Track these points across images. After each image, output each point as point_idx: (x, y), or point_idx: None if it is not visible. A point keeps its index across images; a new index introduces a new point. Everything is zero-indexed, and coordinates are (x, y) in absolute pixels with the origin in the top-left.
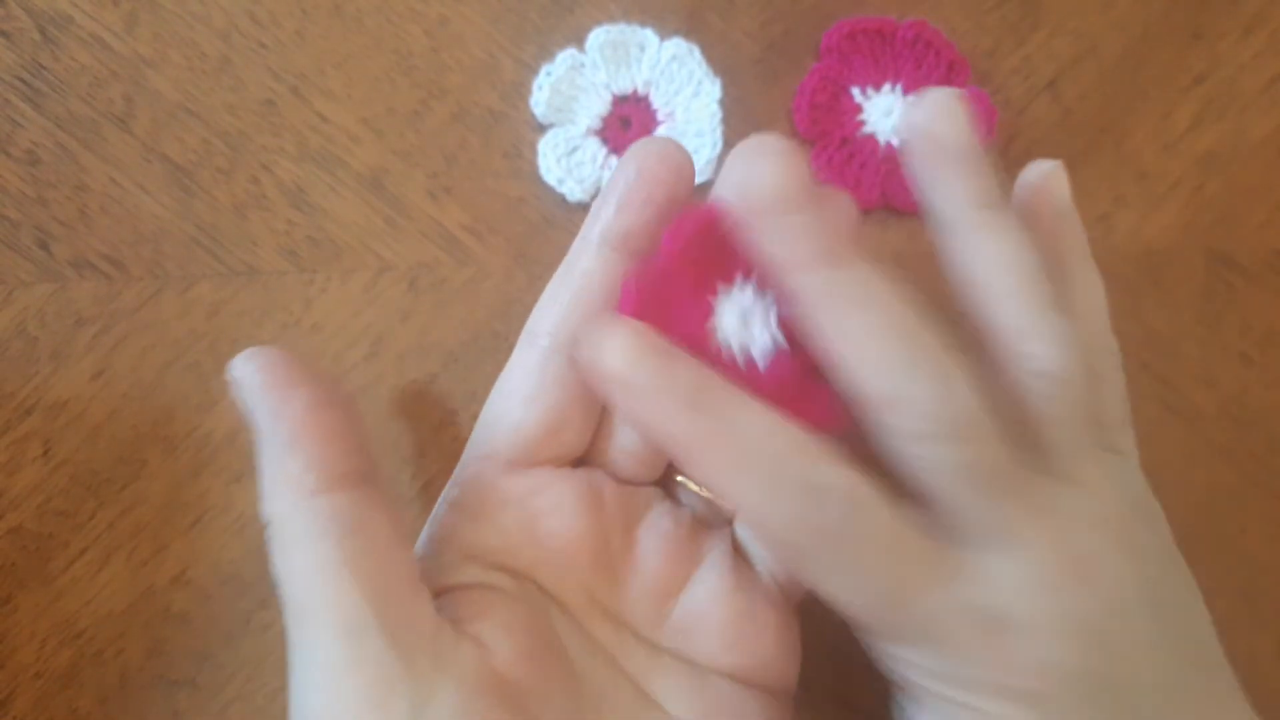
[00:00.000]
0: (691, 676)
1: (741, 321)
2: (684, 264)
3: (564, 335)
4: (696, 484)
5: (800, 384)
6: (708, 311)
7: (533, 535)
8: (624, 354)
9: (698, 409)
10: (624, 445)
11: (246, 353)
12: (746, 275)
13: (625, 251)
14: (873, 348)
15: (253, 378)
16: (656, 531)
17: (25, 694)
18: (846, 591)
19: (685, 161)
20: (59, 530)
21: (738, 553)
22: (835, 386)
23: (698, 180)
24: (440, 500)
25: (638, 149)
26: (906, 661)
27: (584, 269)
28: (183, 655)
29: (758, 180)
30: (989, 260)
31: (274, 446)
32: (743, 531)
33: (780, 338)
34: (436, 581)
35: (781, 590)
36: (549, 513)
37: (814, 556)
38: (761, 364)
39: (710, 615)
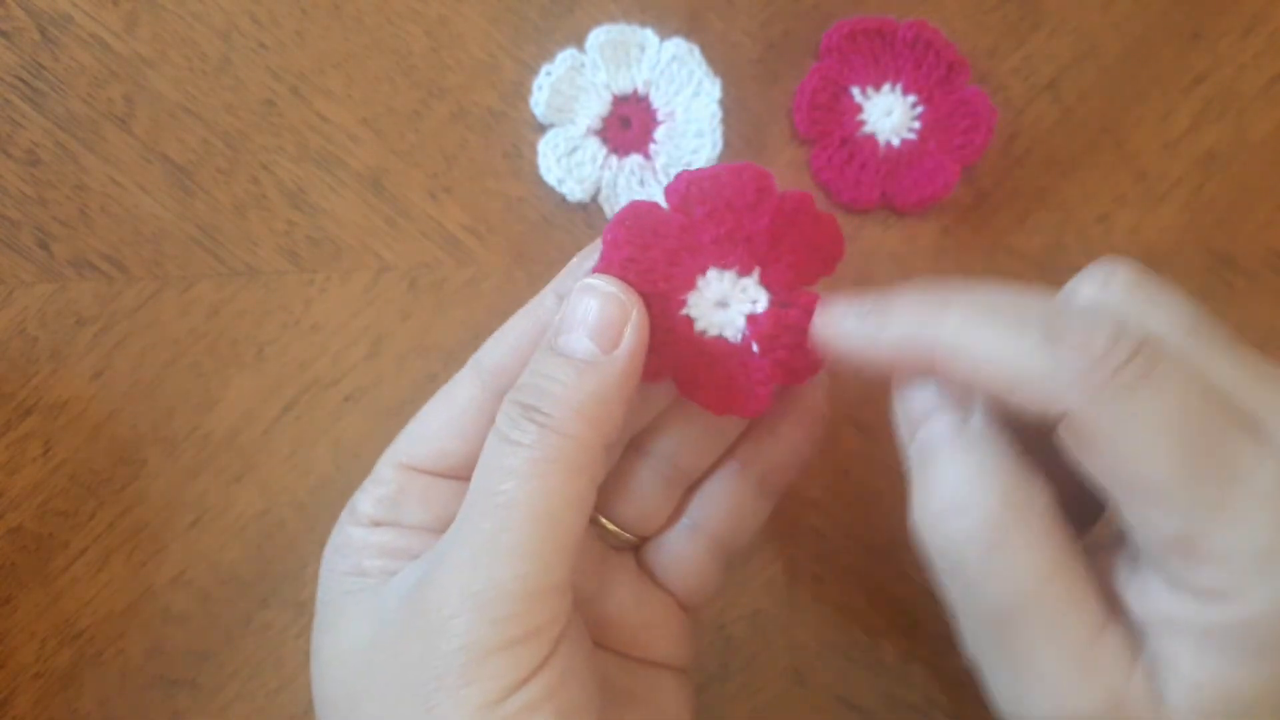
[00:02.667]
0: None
1: (718, 303)
2: (692, 220)
3: (507, 381)
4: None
5: (749, 370)
6: (689, 283)
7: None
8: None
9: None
10: None
11: None
12: (743, 263)
13: None
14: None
15: None
16: None
17: (25, 694)
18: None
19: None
20: (59, 530)
21: (641, 571)
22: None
23: None
24: (363, 495)
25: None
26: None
27: (543, 319)
28: (183, 655)
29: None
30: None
31: None
32: (649, 554)
33: (746, 330)
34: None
35: (678, 599)
36: None
37: None
38: (737, 337)
39: (616, 623)
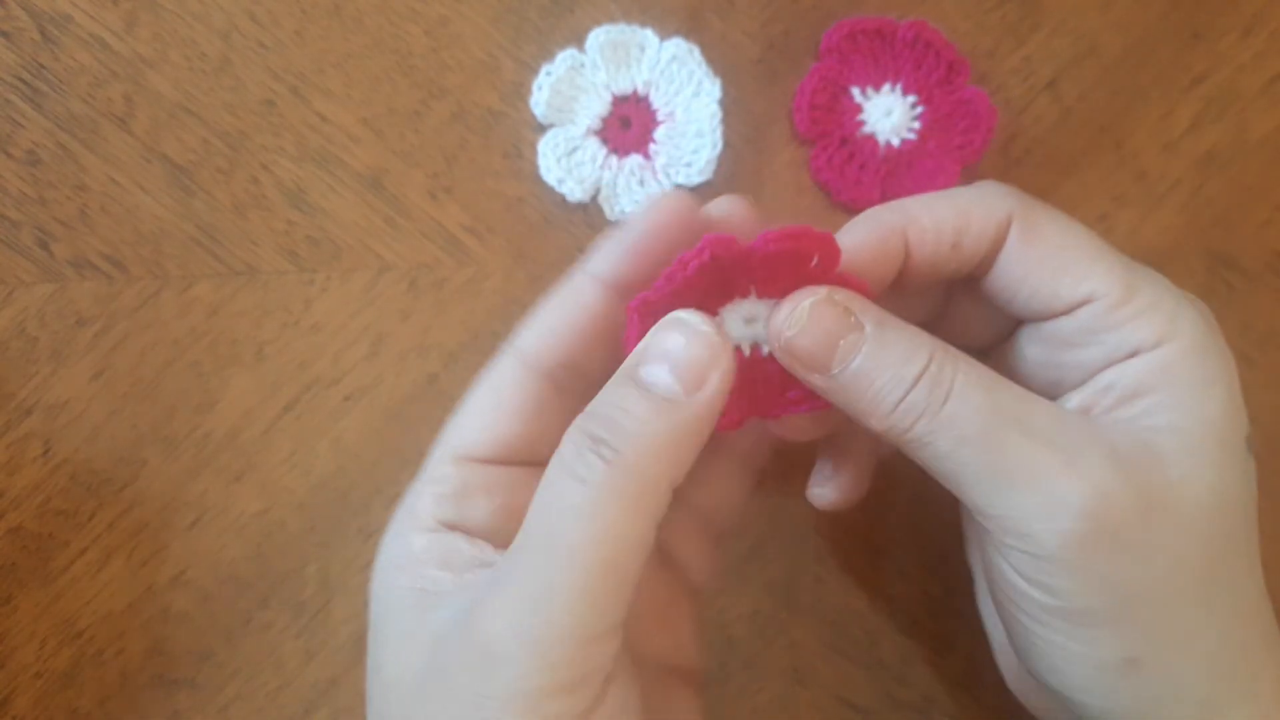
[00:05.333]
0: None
1: (747, 322)
2: (691, 289)
3: (549, 360)
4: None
5: (769, 373)
6: (729, 298)
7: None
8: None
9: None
10: None
11: None
12: (757, 288)
13: (622, 294)
14: None
15: None
16: None
17: (25, 694)
18: None
19: (697, 220)
20: (59, 530)
21: (659, 554)
22: None
23: (698, 180)
24: (421, 495)
25: (657, 201)
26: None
27: (582, 302)
28: (183, 655)
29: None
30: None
31: None
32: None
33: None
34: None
35: (692, 586)
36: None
37: None
38: (765, 352)
39: (639, 604)
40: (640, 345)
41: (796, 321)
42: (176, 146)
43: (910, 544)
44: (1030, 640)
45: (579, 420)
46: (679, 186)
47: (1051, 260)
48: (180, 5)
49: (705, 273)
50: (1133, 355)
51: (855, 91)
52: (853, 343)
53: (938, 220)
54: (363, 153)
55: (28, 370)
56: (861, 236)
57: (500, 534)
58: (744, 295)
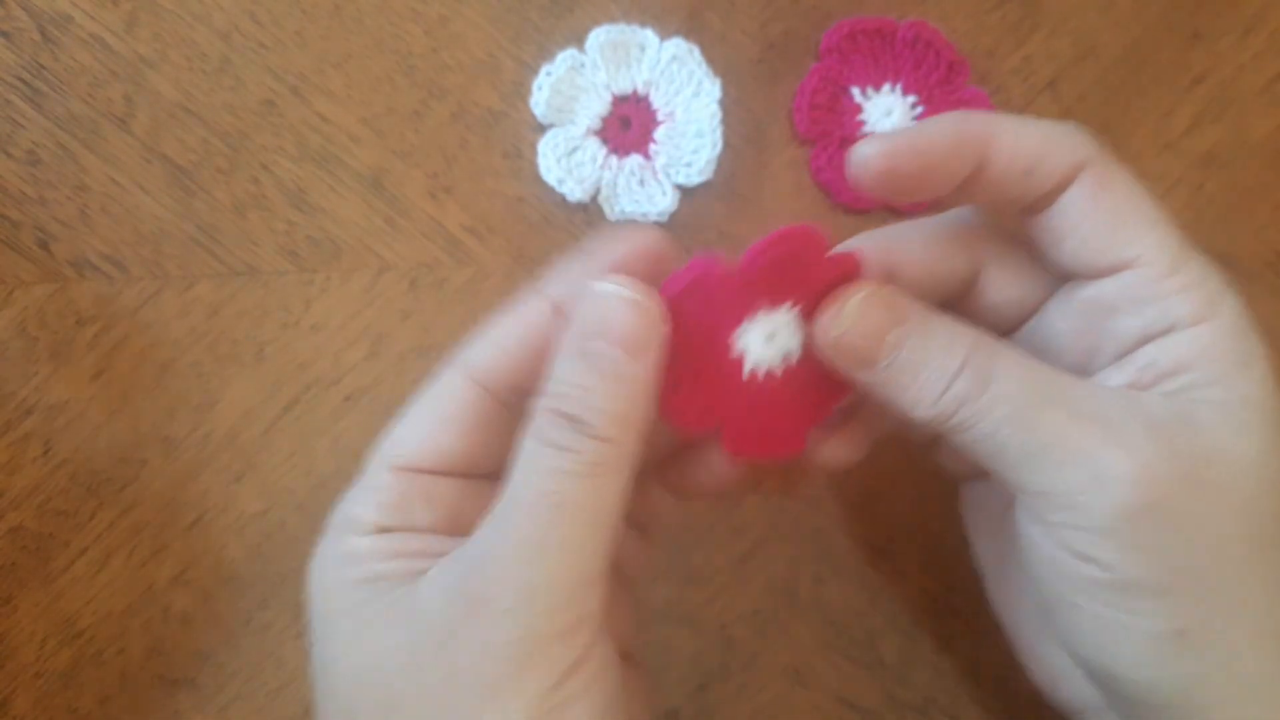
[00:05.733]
0: None
1: (768, 339)
2: (684, 313)
3: (495, 378)
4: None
5: (806, 384)
6: (738, 321)
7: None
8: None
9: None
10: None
11: None
12: (795, 301)
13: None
14: None
15: None
16: None
17: (25, 694)
18: None
19: (664, 256)
20: (59, 530)
21: None
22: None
23: (698, 180)
24: (361, 503)
25: (624, 234)
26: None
27: (534, 323)
28: (183, 655)
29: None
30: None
31: None
32: None
33: (797, 352)
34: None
35: (628, 579)
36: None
37: None
38: (780, 373)
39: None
40: (579, 321)
41: (846, 319)
42: (177, 146)
43: (910, 544)
44: (1077, 618)
45: (546, 400)
46: (679, 187)
47: (1112, 215)
48: (180, 5)
49: (697, 296)
50: (1169, 330)
51: (855, 91)
52: (899, 335)
53: (1020, 141)
54: (363, 153)
55: (28, 370)
56: (947, 127)
57: (445, 535)
58: (750, 315)
